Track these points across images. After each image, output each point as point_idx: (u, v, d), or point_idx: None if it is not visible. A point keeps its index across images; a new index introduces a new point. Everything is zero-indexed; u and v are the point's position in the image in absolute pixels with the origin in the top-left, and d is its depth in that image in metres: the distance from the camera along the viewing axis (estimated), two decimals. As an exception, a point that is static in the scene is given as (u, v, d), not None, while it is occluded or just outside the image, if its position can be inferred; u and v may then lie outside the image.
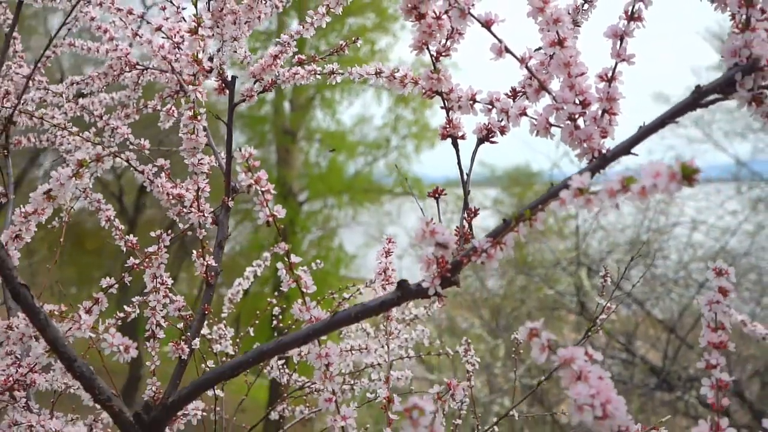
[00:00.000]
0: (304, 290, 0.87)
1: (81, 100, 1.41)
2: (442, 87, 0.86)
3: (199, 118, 1.02)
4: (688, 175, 0.52)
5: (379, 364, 1.37)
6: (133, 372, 7.84)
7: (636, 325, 6.89)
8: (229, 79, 1.22)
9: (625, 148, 0.70)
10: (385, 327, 1.05)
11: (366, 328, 1.59)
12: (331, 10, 1.17)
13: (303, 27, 1.19)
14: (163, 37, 1.26)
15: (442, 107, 0.88)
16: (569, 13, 0.91)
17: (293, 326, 1.73)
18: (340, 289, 1.60)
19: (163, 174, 1.25)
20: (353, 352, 1.28)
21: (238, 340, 1.63)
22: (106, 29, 1.38)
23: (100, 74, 1.40)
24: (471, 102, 0.85)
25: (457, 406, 1.43)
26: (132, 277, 1.14)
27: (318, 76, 1.23)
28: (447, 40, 0.88)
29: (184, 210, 1.25)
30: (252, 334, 1.73)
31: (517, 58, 0.78)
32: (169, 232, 1.15)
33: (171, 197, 1.22)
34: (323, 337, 0.87)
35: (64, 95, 1.36)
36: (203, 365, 1.40)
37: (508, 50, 0.77)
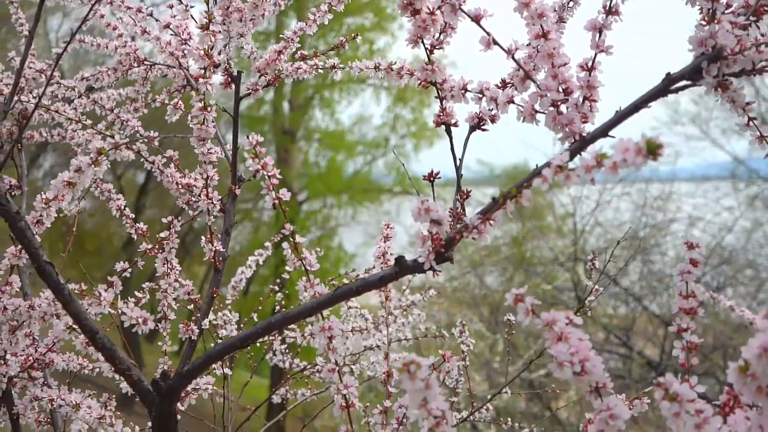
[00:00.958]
0: (309, 268, 0.94)
1: (92, 95, 1.48)
2: (436, 78, 0.92)
3: (209, 109, 1.08)
4: (652, 150, 0.58)
5: (377, 347, 1.43)
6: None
7: (633, 321, 6.96)
8: (235, 73, 1.28)
9: (603, 131, 0.77)
10: (385, 307, 1.11)
11: (365, 314, 1.65)
12: (333, 8, 1.24)
13: (306, 24, 1.26)
14: (171, 34, 1.33)
15: (436, 97, 0.95)
16: (555, 10, 0.97)
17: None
18: (339, 275, 1.67)
19: (172, 164, 1.31)
20: (354, 333, 1.35)
21: (242, 325, 1.69)
22: (116, 26, 1.45)
23: (110, 70, 1.46)
24: (463, 91, 0.92)
25: (452, 383, 1.50)
26: (144, 262, 1.20)
27: (320, 71, 1.29)
28: (440, 33, 0.94)
29: (193, 199, 1.32)
30: (256, 320, 1.79)
31: (504, 50, 0.84)
32: (179, 218, 1.22)
33: (180, 186, 1.28)
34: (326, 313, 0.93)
35: (76, 90, 1.42)
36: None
37: (495, 42, 0.84)
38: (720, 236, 7.72)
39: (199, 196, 1.23)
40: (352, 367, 1.54)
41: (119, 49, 1.44)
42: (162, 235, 1.15)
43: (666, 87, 0.74)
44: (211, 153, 1.15)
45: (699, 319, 0.74)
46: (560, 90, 0.82)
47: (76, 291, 1.00)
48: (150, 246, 1.17)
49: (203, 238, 1.25)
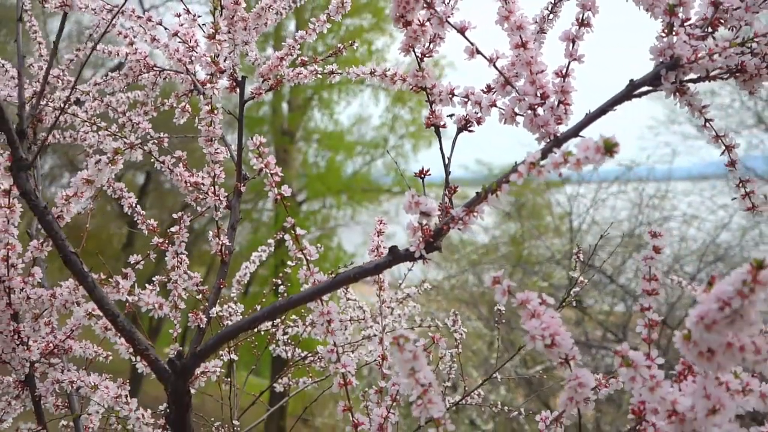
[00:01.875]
0: (309, 258, 1.02)
1: (104, 99, 1.56)
2: (426, 83, 1.01)
3: (216, 112, 1.17)
4: (609, 148, 0.67)
5: (375, 335, 1.52)
6: (134, 372, 7.98)
7: (629, 318, 7.05)
8: (240, 79, 1.37)
9: (574, 132, 0.85)
10: (380, 296, 1.20)
11: (363, 306, 1.74)
12: (332, 18, 1.33)
13: (306, 32, 1.35)
14: (179, 42, 1.41)
15: (426, 101, 1.03)
16: (536, 22, 1.06)
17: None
18: (337, 267, 1.76)
19: (181, 164, 1.40)
20: (352, 322, 1.43)
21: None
22: (126, 34, 1.53)
23: (121, 75, 1.55)
24: (450, 96, 1.00)
25: (446, 369, 1.58)
26: (156, 254, 1.29)
27: (319, 76, 1.38)
28: (430, 43, 1.03)
29: (200, 196, 1.40)
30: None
31: (486, 59, 0.93)
32: (187, 214, 1.30)
33: (188, 185, 1.37)
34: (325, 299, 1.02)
35: (90, 94, 1.51)
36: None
37: (479, 52, 0.92)
38: (715, 234, 7.81)
39: (207, 193, 1.31)
40: (351, 354, 1.62)
41: (130, 56, 1.53)
42: (173, 229, 1.24)
43: (629, 92, 0.83)
44: (218, 153, 1.24)
45: (660, 300, 0.83)
46: (537, 95, 0.91)
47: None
48: (161, 240, 1.26)
49: (210, 233, 1.33)
